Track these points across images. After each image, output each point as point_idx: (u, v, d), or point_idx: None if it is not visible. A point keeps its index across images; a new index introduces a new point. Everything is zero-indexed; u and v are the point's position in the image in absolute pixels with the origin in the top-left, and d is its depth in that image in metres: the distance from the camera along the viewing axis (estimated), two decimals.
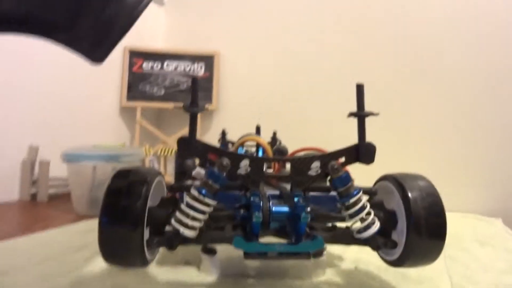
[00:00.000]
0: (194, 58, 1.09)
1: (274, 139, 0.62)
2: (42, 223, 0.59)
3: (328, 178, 0.31)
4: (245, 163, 0.30)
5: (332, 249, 0.45)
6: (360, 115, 0.31)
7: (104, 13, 0.25)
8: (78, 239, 0.48)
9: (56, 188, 0.82)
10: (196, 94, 0.29)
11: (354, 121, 0.32)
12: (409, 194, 0.31)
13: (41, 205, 0.74)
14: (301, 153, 0.44)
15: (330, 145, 0.37)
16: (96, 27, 0.24)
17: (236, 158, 0.30)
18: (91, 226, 0.54)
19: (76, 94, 0.92)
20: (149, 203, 0.29)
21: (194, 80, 0.29)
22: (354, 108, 0.32)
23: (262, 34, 1.06)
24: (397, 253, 0.32)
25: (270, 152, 0.43)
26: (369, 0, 0.94)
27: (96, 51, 0.25)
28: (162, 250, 0.37)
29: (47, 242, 0.47)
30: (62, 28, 0.25)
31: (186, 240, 0.29)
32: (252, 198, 0.31)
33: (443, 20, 0.88)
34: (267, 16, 1.05)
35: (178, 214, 0.29)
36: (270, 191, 0.35)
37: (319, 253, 0.35)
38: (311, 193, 0.35)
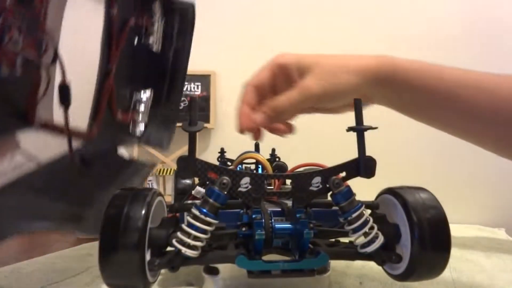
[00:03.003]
0: (190, 78, 1.10)
1: (273, 156, 0.62)
2: (41, 247, 0.58)
3: (330, 193, 0.31)
4: (245, 181, 0.30)
5: (336, 264, 0.44)
6: (359, 129, 0.31)
7: None
8: (78, 263, 0.48)
9: None
10: (195, 113, 0.29)
11: (353, 135, 0.32)
12: (412, 207, 0.31)
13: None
14: (301, 169, 0.44)
15: (330, 160, 0.37)
16: None
17: (236, 176, 0.30)
18: (91, 250, 0.54)
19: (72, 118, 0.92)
20: (150, 224, 0.29)
21: (193, 99, 0.29)
22: (352, 122, 0.32)
23: (257, 52, 1.07)
24: (402, 267, 0.31)
25: (269, 169, 0.43)
26: (366, 15, 0.95)
27: None
28: (163, 271, 0.36)
29: (46, 267, 0.47)
30: None
31: (188, 261, 0.29)
32: (254, 216, 0.31)
33: (447, 29, 0.89)
34: (261, 34, 1.07)
35: (179, 234, 0.29)
36: (272, 208, 0.35)
37: (323, 269, 0.35)
38: (313, 209, 0.35)
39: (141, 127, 0.69)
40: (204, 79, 1.09)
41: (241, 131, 0.46)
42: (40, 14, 0.42)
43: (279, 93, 0.48)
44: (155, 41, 0.65)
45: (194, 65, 1.18)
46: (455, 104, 0.45)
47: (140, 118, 0.68)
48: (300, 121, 0.49)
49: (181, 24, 0.65)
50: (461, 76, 0.45)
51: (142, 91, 0.68)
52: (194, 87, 1.09)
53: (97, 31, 0.53)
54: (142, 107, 0.68)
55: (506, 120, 0.43)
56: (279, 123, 0.48)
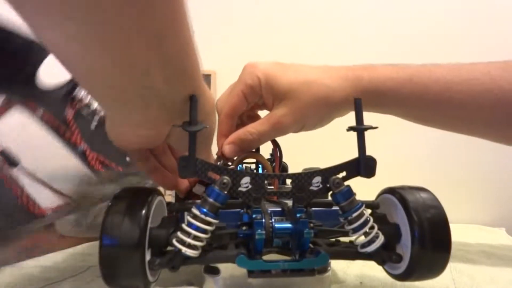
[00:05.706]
0: None
1: (273, 156, 0.62)
2: (40, 247, 0.58)
3: (330, 192, 0.31)
4: (246, 180, 0.30)
5: (336, 264, 0.44)
6: (359, 129, 0.31)
7: None
8: (79, 262, 0.48)
9: None
10: (195, 112, 0.29)
11: (353, 134, 0.32)
12: (412, 207, 0.31)
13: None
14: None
15: (330, 160, 0.37)
16: None
17: (237, 176, 0.30)
18: (92, 249, 0.54)
19: None
20: (150, 224, 0.29)
21: (193, 98, 0.29)
22: (352, 122, 0.32)
23: (257, 52, 1.07)
24: (402, 266, 0.31)
25: (270, 169, 0.43)
26: (367, 15, 0.95)
27: None
28: (164, 271, 0.36)
29: (47, 266, 0.47)
30: None
31: (188, 260, 0.29)
32: (254, 215, 0.31)
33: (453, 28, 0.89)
34: (262, 34, 1.07)
35: (179, 233, 0.29)
36: (272, 208, 0.35)
37: (323, 269, 0.35)
38: (313, 209, 0.35)
39: None
40: (205, 79, 1.09)
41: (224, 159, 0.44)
42: None
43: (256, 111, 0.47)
44: None
45: None
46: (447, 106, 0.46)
47: None
48: None
49: None
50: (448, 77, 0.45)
51: None
52: None
53: None
54: None
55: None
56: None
